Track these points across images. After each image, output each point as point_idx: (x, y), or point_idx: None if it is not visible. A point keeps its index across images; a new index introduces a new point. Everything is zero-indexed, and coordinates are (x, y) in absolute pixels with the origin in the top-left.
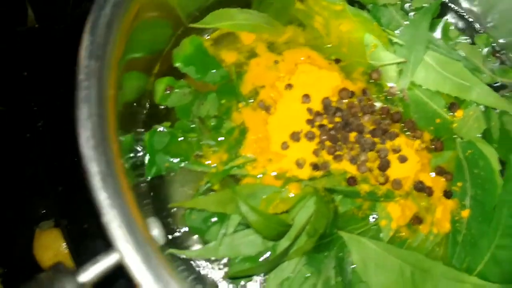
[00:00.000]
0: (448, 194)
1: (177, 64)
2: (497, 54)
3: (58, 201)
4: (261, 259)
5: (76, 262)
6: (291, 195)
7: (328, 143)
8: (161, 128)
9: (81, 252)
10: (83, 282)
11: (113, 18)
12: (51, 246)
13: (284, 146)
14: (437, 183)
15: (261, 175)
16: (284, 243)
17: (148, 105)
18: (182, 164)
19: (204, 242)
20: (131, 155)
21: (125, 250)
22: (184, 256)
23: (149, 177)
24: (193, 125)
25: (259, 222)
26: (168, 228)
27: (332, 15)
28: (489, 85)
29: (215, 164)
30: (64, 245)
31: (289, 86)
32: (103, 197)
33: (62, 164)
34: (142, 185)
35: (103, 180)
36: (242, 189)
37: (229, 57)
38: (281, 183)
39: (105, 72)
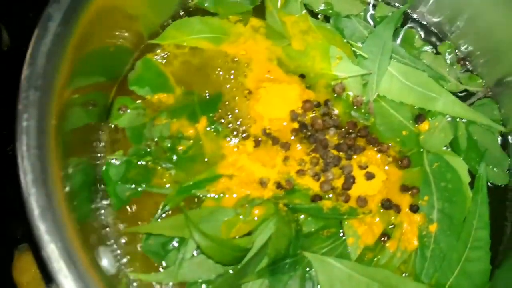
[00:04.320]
0: (414, 209)
1: (133, 88)
2: (462, 62)
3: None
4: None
5: (47, 286)
6: (255, 218)
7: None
8: (115, 159)
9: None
10: None
11: (54, 48)
12: (28, 269)
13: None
14: (404, 200)
15: (222, 196)
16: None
17: (107, 131)
18: (140, 189)
19: (163, 267)
20: (92, 184)
21: (64, 284)
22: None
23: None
24: (148, 149)
25: (212, 248)
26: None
27: (297, 26)
28: (455, 93)
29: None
30: None
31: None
32: (41, 231)
33: None
34: (103, 212)
35: (41, 214)
36: (199, 213)
37: (185, 73)
38: (243, 204)
39: (46, 102)
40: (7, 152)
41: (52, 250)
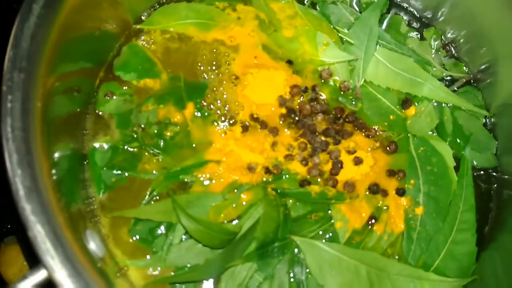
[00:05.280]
0: (400, 192)
1: (118, 73)
2: (447, 48)
3: (15, 216)
4: None
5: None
6: (244, 202)
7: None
8: (100, 144)
9: None
10: None
11: (37, 30)
12: (15, 261)
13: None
14: (391, 184)
15: (210, 182)
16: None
17: (94, 117)
18: (127, 174)
19: (152, 252)
20: (79, 169)
21: (51, 265)
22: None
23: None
24: (135, 135)
25: (200, 232)
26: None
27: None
28: (440, 79)
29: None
30: None
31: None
32: (27, 211)
33: None
34: (91, 196)
35: (27, 195)
36: (187, 198)
37: (171, 59)
38: (231, 190)
39: (31, 85)
40: None
41: (38, 231)
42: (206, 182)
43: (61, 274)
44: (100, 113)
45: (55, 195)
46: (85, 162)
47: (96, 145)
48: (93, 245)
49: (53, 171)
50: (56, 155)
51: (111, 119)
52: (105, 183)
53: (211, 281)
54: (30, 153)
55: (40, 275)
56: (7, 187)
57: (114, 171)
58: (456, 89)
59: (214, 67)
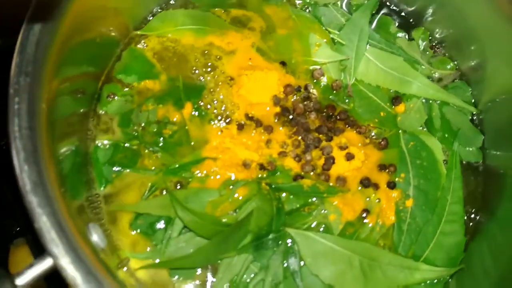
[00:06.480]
0: (391, 185)
1: (119, 76)
2: (435, 47)
3: (25, 218)
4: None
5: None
6: (240, 197)
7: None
8: (103, 142)
9: None
10: (20, 285)
11: (42, 37)
12: (25, 262)
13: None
14: (382, 177)
15: (207, 178)
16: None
17: (97, 117)
18: (128, 170)
19: (152, 245)
20: (83, 165)
21: (56, 253)
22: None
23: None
24: (135, 133)
25: (195, 223)
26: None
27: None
28: (428, 77)
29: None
30: None
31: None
32: (34, 204)
33: None
34: (96, 192)
35: (33, 189)
36: (184, 193)
37: (170, 62)
38: (227, 186)
39: (36, 87)
40: (1, 147)
41: (44, 222)
42: (204, 178)
43: (65, 261)
44: (103, 113)
45: (60, 190)
46: (88, 159)
47: (99, 143)
48: (95, 237)
49: (59, 167)
50: (61, 152)
51: (113, 119)
52: (106, 179)
53: (209, 271)
54: (36, 150)
55: (46, 263)
56: (16, 190)
57: (115, 168)
58: (446, 84)
59: (209, 69)
